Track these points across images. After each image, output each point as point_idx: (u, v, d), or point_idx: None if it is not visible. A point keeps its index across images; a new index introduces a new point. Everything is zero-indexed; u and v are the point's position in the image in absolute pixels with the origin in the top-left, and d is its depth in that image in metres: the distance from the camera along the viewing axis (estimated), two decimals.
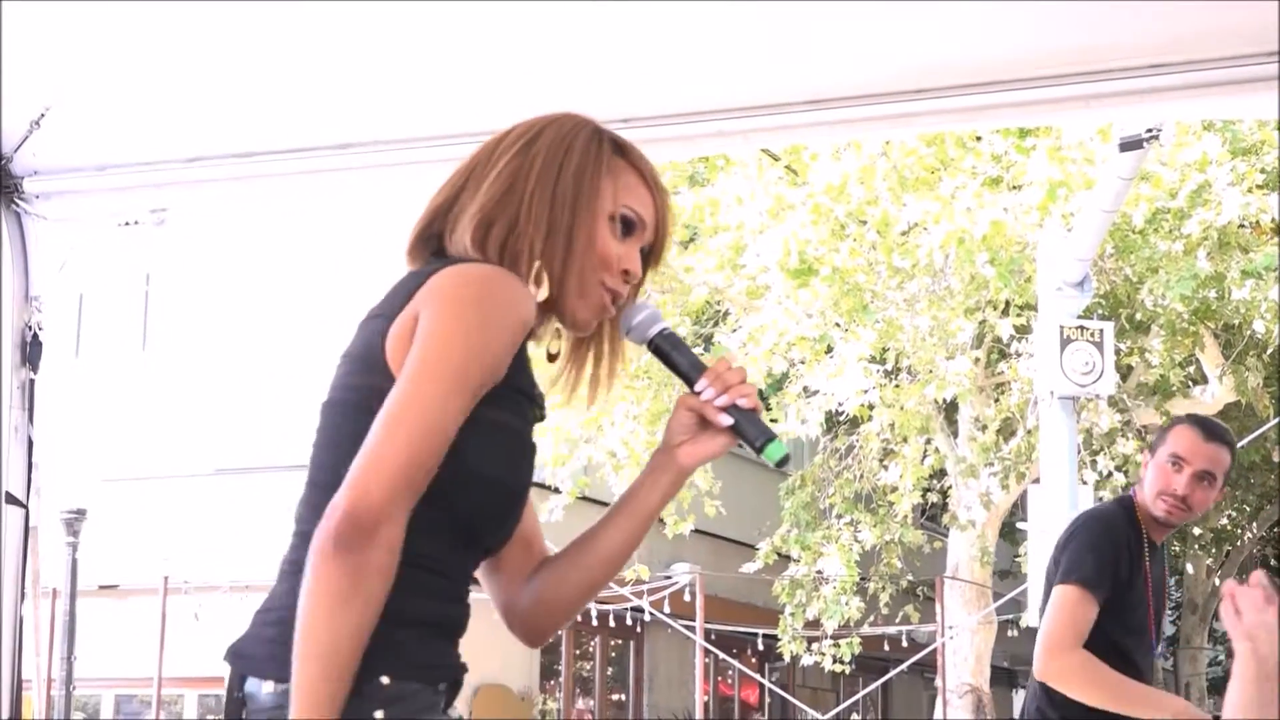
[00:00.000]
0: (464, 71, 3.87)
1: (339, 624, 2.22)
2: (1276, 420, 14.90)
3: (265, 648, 2.35)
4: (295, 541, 2.40)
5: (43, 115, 4.08)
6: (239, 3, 3.68)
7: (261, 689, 2.35)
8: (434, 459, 2.29)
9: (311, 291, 19.56)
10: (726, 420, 2.54)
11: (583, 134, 2.55)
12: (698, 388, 2.56)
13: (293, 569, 2.33)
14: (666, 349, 2.62)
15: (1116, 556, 4.72)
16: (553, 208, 2.47)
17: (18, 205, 4.28)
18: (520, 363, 2.45)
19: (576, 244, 2.48)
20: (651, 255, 2.61)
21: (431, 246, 2.55)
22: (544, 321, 2.57)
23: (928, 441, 16.77)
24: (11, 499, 4.20)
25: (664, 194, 2.60)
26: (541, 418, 2.55)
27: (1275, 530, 27.34)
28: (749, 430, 2.54)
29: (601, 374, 2.65)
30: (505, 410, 2.42)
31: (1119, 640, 4.75)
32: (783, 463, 2.55)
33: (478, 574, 2.65)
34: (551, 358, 2.65)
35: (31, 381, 4.32)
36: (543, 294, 2.47)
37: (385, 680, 2.31)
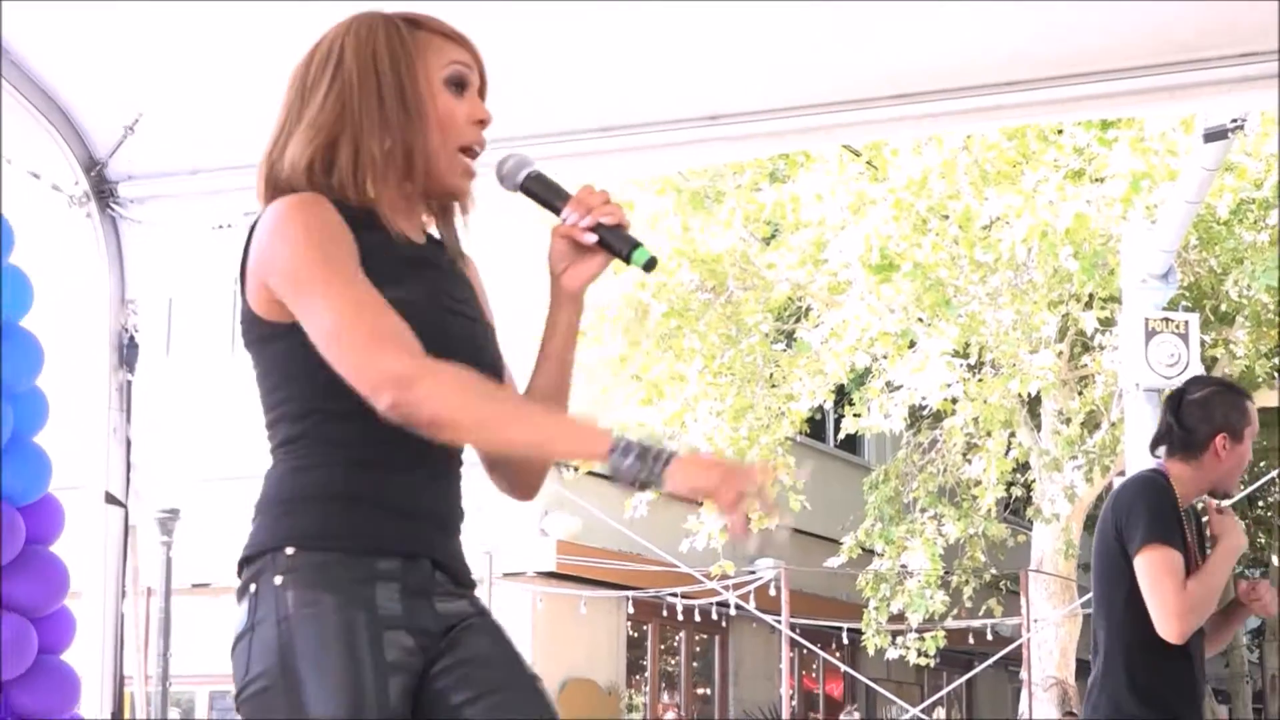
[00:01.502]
0: (551, 71, 3.88)
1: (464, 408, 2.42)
2: None
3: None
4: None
5: (136, 121, 4.11)
6: (325, 5, 3.70)
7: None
8: (388, 317, 2.44)
9: None
10: (591, 238, 2.64)
11: (379, 32, 2.61)
12: (563, 215, 2.67)
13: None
14: (537, 190, 2.71)
15: (1174, 514, 4.63)
16: (384, 108, 2.56)
17: (113, 210, 4.32)
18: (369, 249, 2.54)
19: (427, 125, 2.59)
20: (481, 92, 2.71)
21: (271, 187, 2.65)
22: (426, 208, 2.71)
23: (1011, 435, 16.66)
24: (111, 499, 4.24)
25: (466, 38, 2.68)
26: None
27: None
28: (614, 243, 2.65)
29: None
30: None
31: None
32: (649, 266, 2.63)
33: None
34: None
35: (129, 383, 4.36)
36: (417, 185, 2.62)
37: (290, 551, 2.48)
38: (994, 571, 19.06)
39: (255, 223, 2.57)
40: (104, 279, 4.33)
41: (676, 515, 17.56)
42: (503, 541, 19.69)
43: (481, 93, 2.69)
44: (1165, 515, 4.61)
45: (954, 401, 15.67)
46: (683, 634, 23.14)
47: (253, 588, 2.49)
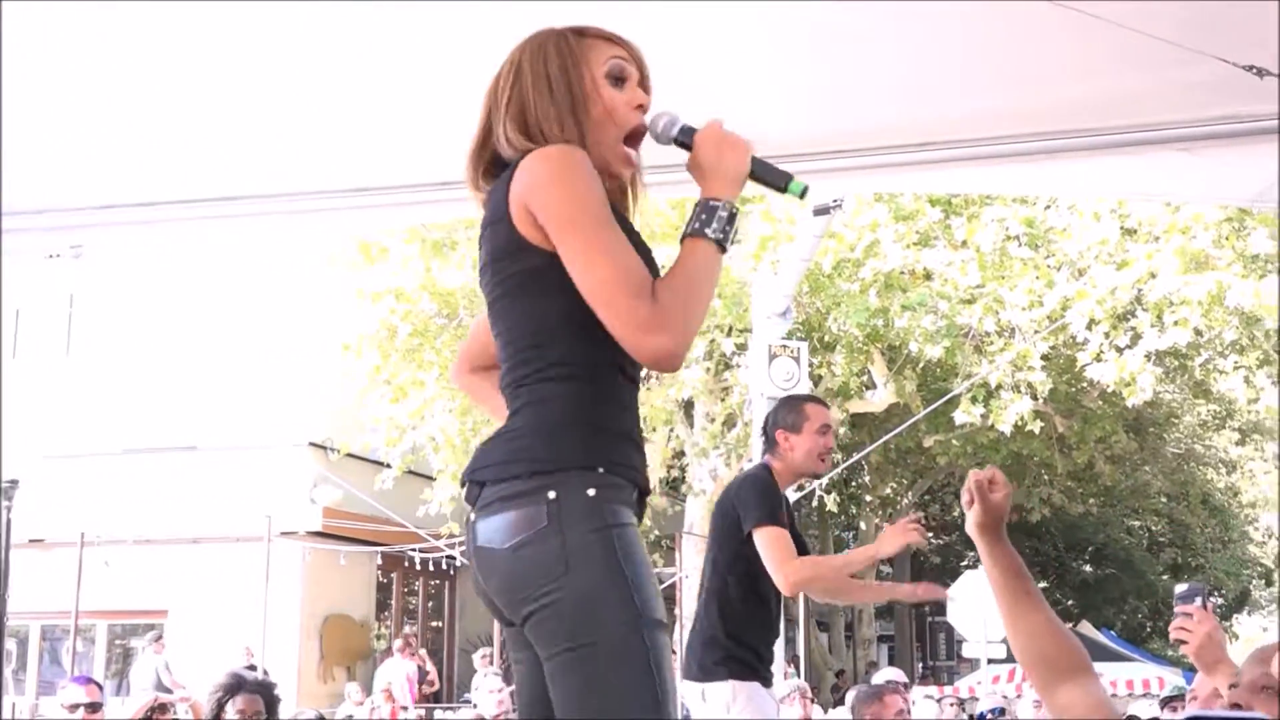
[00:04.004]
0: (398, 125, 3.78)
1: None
2: (923, 414, 15.28)
3: (498, 457, 2.29)
4: (519, 394, 2.33)
5: None
6: (136, 79, 3.57)
7: (491, 489, 2.28)
8: (645, 277, 2.23)
9: (198, 308, 19.09)
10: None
11: (549, 40, 2.42)
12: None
13: (524, 408, 2.30)
14: (685, 140, 2.42)
15: (776, 497, 4.70)
16: (554, 101, 2.36)
17: None
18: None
19: (588, 117, 2.37)
20: (644, 80, 2.47)
21: (484, 164, 2.44)
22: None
23: (671, 430, 16.87)
24: None
25: (623, 39, 2.46)
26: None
27: (924, 497, 28.02)
28: (769, 175, 2.40)
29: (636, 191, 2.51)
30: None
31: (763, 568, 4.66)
32: (804, 194, 2.40)
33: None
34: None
35: None
36: None
37: (601, 470, 2.26)
38: (658, 532, 19.28)
39: (513, 172, 2.31)
40: None
41: (415, 489, 17.39)
42: (280, 507, 19.24)
43: (644, 85, 2.44)
44: (771, 500, 4.64)
45: None
46: (420, 581, 22.90)
47: (552, 494, 2.22)
